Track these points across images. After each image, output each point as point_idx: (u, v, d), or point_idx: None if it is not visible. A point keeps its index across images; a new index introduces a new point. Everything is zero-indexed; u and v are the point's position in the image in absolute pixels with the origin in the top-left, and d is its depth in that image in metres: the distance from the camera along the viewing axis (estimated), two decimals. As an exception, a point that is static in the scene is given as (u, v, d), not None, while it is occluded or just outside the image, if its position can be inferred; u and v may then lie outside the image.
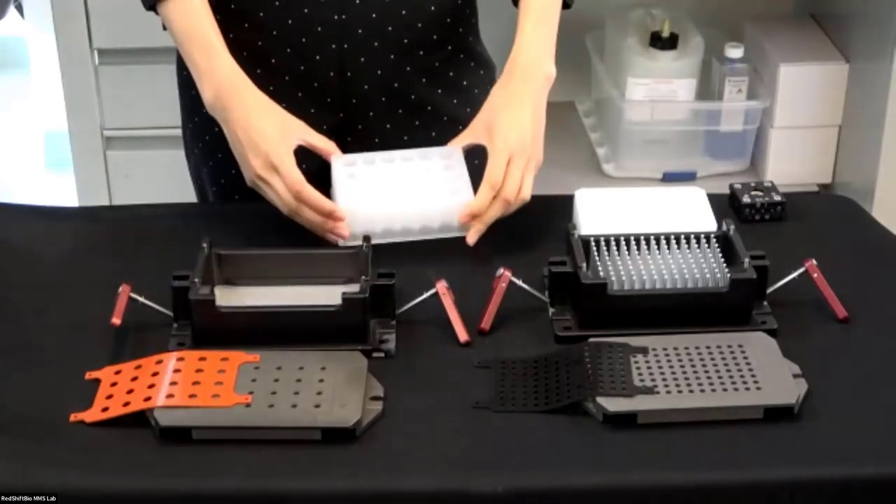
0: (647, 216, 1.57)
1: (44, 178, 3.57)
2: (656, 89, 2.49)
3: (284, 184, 1.56)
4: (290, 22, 1.68)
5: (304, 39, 1.69)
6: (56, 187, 3.41)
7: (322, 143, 1.63)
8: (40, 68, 3.62)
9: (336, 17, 1.67)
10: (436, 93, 1.77)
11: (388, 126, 1.76)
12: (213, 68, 1.60)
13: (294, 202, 1.56)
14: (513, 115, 1.60)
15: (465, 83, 1.79)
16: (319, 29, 1.68)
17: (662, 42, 2.50)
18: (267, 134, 1.57)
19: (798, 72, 2.51)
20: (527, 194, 1.59)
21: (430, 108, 1.77)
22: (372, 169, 1.63)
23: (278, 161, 1.56)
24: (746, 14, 2.70)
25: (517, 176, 1.57)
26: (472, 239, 1.57)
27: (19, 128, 3.80)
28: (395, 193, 1.60)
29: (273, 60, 1.70)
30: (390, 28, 1.69)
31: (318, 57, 1.70)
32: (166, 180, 2.60)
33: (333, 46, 1.69)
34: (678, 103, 2.51)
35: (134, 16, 2.58)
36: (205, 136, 1.78)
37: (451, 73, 1.78)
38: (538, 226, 1.65)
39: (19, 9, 3.67)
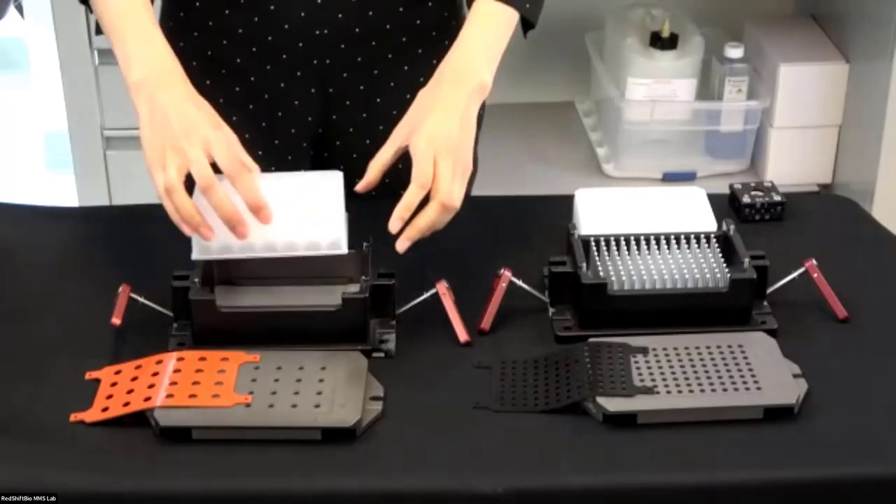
0: (647, 216, 1.57)
1: (44, 178, 3.57)
2: (656, 89, 2.49)
3: (224, 152, 1.41)
4: (269, 38, 1.64)
5: (284, 56, 1.65)
6: (56, 187, 3.41)
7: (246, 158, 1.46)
8: (40, 68, 3.62)
9: (318, 32, 1.63)
10: None
11: (367, 141, 1.66)
12: (149, 51, 1.49)
13: (212, 177, 1.39)
14: (439, 118, 1.47)
15: None
16: (301, 45, 1.64)
17: (662, 42, 2.50)
18: (204, 112, 1.45)
19: (798, 72, 2.51)
20: (457, 202, 1.44)
21: None
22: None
23: (213, 130, 1.42)
24: (746, 14, 2.70)
25: (448, 175, 1.43)
26: (401, 246, 1.43)
27: (19, 128, 3.79)
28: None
29: (252, 78, 1.67)
30: (373, 43, 1.65)
31: (298, 73, 1.66)
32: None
33: (315, 62, 1.66)
34: (678, 103, 2.52)
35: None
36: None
37: None
38: (538, 226, 1.65)
39: (19, 9, 3.67)
